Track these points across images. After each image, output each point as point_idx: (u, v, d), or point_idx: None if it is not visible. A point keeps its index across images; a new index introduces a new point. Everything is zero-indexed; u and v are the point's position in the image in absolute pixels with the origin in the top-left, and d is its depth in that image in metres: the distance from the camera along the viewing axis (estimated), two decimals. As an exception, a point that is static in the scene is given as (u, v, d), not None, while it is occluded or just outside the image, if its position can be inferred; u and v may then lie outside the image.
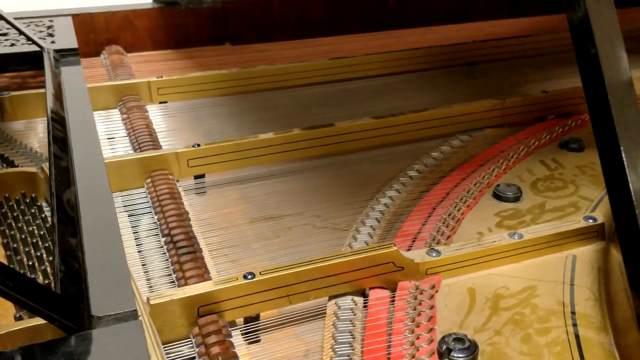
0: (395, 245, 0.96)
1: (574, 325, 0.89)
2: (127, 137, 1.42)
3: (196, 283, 0.92)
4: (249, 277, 0.89)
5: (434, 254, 0.99)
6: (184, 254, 1.00)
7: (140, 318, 0.79)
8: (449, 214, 1.15)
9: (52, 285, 0.94)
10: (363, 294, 0.96)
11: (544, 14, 2.42)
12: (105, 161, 1.19)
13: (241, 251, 1.12)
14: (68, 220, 0.91)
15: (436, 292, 0.96)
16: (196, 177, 1.30)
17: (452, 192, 1.23)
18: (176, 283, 0.97)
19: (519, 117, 1.51)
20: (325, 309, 0.94)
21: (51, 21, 1.89)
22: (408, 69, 1.84)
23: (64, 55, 1.66)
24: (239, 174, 1.34)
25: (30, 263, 1.00)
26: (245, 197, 1.28)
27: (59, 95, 1.37)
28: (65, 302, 0.74)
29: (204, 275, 0.96)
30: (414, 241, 1.08)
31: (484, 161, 1.35)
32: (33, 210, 1.13)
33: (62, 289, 0.76)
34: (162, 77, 1.62)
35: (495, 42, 1.92)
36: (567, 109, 1.55)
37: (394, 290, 0.96)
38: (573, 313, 0.92)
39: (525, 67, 1.89)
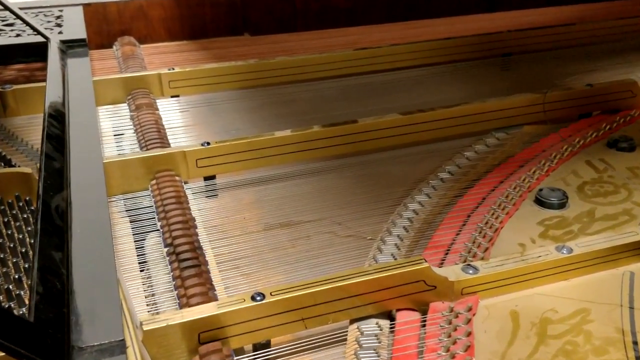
0: (426, 261, 0.83)
1: (637, 358, 0.76)
2: (135, 134, 1.31)
3: (198, 303, 0.81)
4: (258, 298, 0.78)
5: (470, 271, 0.86)
6: (187, 268, 0.89)
7: (130, 348, 0.68)
8: (486, 223, 1.03)
9: (28, 309, 0.83)
10: (389, 317, 0.84)
11: (581, 3, 2.27)
12: (106, 161, 1.09)
13: (253, 263, 1.00)
14: (54, 230, 0.80)
15: (473, 315, 0.84)
16: (206, 179, 1.19)
17: (489, 197, 1.11)
18: (177, 301, 0.86)
19: (561, 113, 1.37)
20: (346, 335, 0.82)
21: (61, 11, 1.79)
22: (438, 60, 1.71)
23: (71, 46, 1.56)
24: (253, 175, 1.22)
25: (17, 276, 0.90)
26: (260, 201, 1.17)
27: (60, 89, 1.27)
28: (40, 332, 0.63)
29: (208, 293, 0.85)
30: (446, 254, 0.96)
31: (524, 162, 1.22)
32: (26, 215, 1.03)
33: (36, 316, 0.65)
34: (173, 69, 1.51)
35: (531, 32, 1.77)
36: (615, 104, 1.41)
37: (425, 312, 0.84)
38: (635, 343, 0.79)
39: (565, 59, 1.75)
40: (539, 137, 1.33)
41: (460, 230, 1.01)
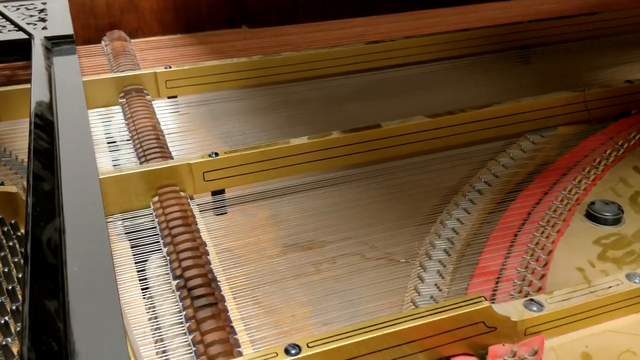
0: (486, 299, 0.71)
1: None
2: (131, 141, 1.18)
3: (219, 354, 0.68)
4: (293, 352, 0.65)
5: (534, 308, 0.74)
6: (203, 308, 0.77)
7: None
8: (536, 243, 0.91)
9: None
10: (443, 365, 0.72)
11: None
12: (102, 176, 0.95)
13: (274, 293, 0.88)
14: (46, 272, 0.67)
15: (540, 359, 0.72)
16: (214, 193, 1.06)
17: (534, 211, 0.99)
18: (192, 348, 0.73)
19: (601, 113, 1.25)
20: (395, 388, 0.70)
21: (44, 4, 1.65)
22: (454, 54, 1.59)
23: (56, 43, 1.42)
24: (266, 187, 1.09)
25: (3, 321, 0.77)
26: (275, 217, 1.04)
27: (46, 92, 1.13)
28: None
29: (228, 339, 0.73)
30: (497, 282, 0.84)
31: (566, 169, 1.10)
32: (12, 243, 0.89)
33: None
34: (170, 67, 1.37)
35: (554, 22, 1.65)
36: (656, 102, 1.29)
37: (483, 358, 0.72)
38: None
39: (591, 51, 1.63)
40: (576, 139, 1.21)
41: (508, 253, 0.89)
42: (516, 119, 1.19)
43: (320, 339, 0.66)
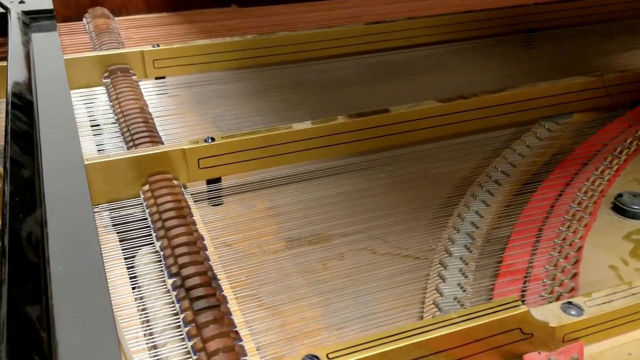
0: (523, 303, 0.64)
1: None
2: (117, 125, 1.09)
3: (226, 365, 0.60)
4: (314, 364, 0.57)
5: (573, 312, 0.67)
6: (203, 311, 0.68)
7: None
8: (564, 239, 0.83)
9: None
10: (474, 376, 0.64)
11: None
12: (88, 162, 0.86)
13: (279, 290, 0.80)
14: (27, 272, 0.59)
15: (581, 370, 0.65)
16: (209, 182, 0.97)
17: (557, 204, 0.91)
18: (193, 357, 0.65)
19: (621, 98, 1.18)
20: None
21: (21, -23, 1.54)
22: (457, 36, 1.51)
23: (35, 18, 1.32)
24: (266, 175, 1.01)
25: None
26: (276, 208, 0.96)
27: (24, 70, 1.04)
28: None
29: (234, 347, 0.64)
30: (525, 282, 0.77)
31: (586, 158, 1.03)
32: (-14, 235, 0.80)
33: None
34: (158, 45, 1.28)
35: (560, 5, 1.58)
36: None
37: (517, 367, 0.65)
38: None
39: (601, 35, 1.56)
40: (593, 127, 1.14)
41: (534, 250, 0.82)
42: (532, 105, 1.11)
43: (342, 349, 0.58)
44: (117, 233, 0.86)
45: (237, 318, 0.71)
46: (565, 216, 0.88)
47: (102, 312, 0.57)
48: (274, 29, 1.52)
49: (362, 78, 1.37)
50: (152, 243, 0.83)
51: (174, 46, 1.28)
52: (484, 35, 1.54)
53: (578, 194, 0.93)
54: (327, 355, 0.58)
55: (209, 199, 0.97)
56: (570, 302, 0.68)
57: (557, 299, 0.74)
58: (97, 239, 0.67)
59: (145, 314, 0.72)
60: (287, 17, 1.64)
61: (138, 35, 1.50)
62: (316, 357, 0.58)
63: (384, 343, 0.59)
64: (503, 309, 0.63)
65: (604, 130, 1.11)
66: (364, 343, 0.59)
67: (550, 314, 0.66)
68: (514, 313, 0.63)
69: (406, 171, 1.03)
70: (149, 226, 0.86)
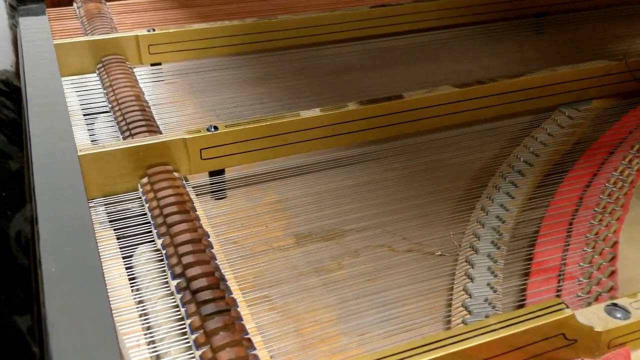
0: (567, 307, 0.58)
1: None
2: (111, 114, 1.02)
3: (241, 379, 0.54)
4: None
5: (619, 315, 0.61)
6: (212, 316, 0.62)
7: None
8: (596, 234, 0.77)
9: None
10: (513, 387, 0.58)
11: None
12: (81, 153, 0.80)
13: (291, 291, 0.74)
14: (15, 276, 0.52)
15: (629, 378, 0.59)
16: (212, 174, 0.91)
17: (586, 195, 0.85)
18: (202, 368, 0.59)
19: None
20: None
21: (6, -42, 1.46)
22: (463, 21, 1.44)
23: (22, 1, 1.25)
24: (272, 166, 0.95)
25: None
26: (284, 201, 0.90)
27: (11, 55, 0.97)
28: None
29: (247, 357, 0.58)
30: (559, 281, 0.71)
31: (612, 147, 0.97)
32: (-30, 233, 0.73)
33: None
34: (154, 30, 1.21)
35: (571, -13, 1.52)
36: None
37: (560, 376, 0.59)
38: None
39: (615, 19, 1.50)
40: (614, 114, 1.08)
41: (566, 245, 0.76)
42: (551, 90, 1.05)
43: (372, 361, 0.52)
44: (114, 230, 0.79)
45: (248, 323, 0.65)
46: (596, 209, 0.82)
47: (101, 321, 0.51)
48: (274, 12, 1.45)
49: (368, 64, 1.31)
50: (152, 240, 0.76)
51: (170, 30, 1.21)
52: (491, 20, 1.47)
53: (607, 184, 0.87)
54: (355, 368, 0.52)
55: (211, 192, 0.90)
56: (615, 304, 0.62)
57: (596, 299, 0.68)
58: (94, 237, 0.60)
59: (147, 319, 0.66)
60: (287, 0, 1.57)
61: (131, 20, 1.43)
62: (343, 370, 0.51)
63: (418, 354, 0.53)
64: (546, 313, 0.57)
65: (628, 117, 1.05)
66: (394, 354, 0.53)
67: (594, 317, 0.60)
68: (559, 317, 0.57)
69: (421, 161, 0.96)
70: (148, 222, 0.79)
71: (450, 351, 0.53)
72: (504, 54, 1.35)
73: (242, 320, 0.64)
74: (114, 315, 0.61)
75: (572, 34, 1.46)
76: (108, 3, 1.48)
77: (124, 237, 0.78)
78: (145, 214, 0.80)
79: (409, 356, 0.53)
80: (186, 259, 0.69)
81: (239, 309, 0.66)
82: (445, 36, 1.42)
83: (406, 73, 1.28)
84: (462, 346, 0.54)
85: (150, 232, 0.77)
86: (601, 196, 0.85)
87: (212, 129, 0.88)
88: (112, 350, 0.48)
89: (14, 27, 1.10)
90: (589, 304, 0.67)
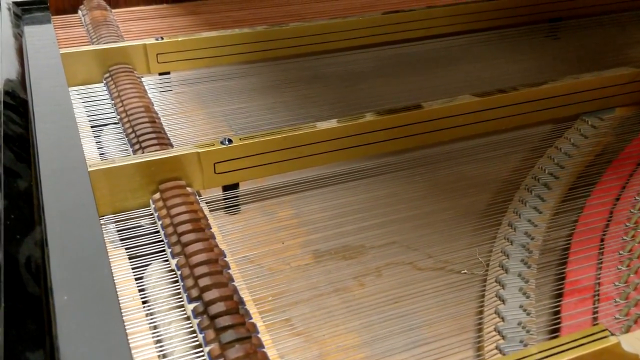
0: (612, 334, 0.54)
1: None
2: (120, 126, 0.99)
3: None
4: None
5: (664, 341, 0.57)
6: (232, 344, 0.58)
7: None
8: (630, 250, 0.74)
9: None
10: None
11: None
12: (91, 169, 0.76)
13: (312, 313, 0.70)
14: (26, 308, 0.49)
15: (678, 409, 0.55)
16: (226, 189, 0.87)
17: (616, 209, 0.82)
18: (223, 400, 0.55)
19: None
20: None
21: (11, -34, 1.43)
22: (478, 26, 1.42)
23: (27, 9, 1.22)
24: (288, 179, 0.92)
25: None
26: (301, 216, 0.86)
27: (17, 65, 0.94)
28: None
29: (273, 389, 0.55)
30: (595, 302, 0.67)
31: (639, 157, 0.94)
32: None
33: None
34: (162, 38, 1.18)
35: (587, -8, 1.49)
36: None
37: (603, 408, 0.56)
38: None
39: (633, 24, 1.47)
40: (638, 123, 1.05)
41: (599, 263, 0.73)
42: (574, 99, 1.02)
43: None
44: (126, 249, 0.76)
45: (269, 350, 0.62)
46: (627, 224, 0.79)
47: (119, 353, 0.47)
48: (283, 20, 1.42)
49: (381, 71, 1.28)
50: (166, 260, 0.73)
51: (179, 39, 1.18)
52: (506, 25, 1.44)
53: (637, 197, 0.84)
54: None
55: (225, 207, 0.87)
56: (659, 329, 0.59)
57: (636, 321, 0.64)
58: (108, 261, 0.57)
59: (164, 344, 0.63)
60: (297, 7, 1.54)
61: (137, 28, 1.41)
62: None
63: (456, 387, 0.49)
64: (590, 341, 0.53)
65: (653, 126, 1.02)
66: (431, 387, 0.50)
67: (638, 343, 0.57)
68: (604, 346, 0.53)
69: (442, 173, 0.93)
70: (161, 240, 0.76)
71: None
72: (520, 61, 1.32)
73: (264, 347, 0.60)
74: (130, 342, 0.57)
75: (588, 39, 1.43)
76: (114, 10, 1.46)
77: (136, 257, 0.74)
78: (158, 232, 0.77)
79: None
80: (203, 282, 0.66)
81: (259, 335, 0.62)
82: (459, 42, 1.39)
83: (421, 80, 1.25)
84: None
85: (164, 250, 0.74)
86: (632, 210, 0.81)
87: (227, 142, 0.85)
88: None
89: (19, 36, 1.07)
90: (629, 327, 0.63)
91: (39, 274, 0.53)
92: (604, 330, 0.55)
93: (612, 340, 0.54)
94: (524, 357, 0.52)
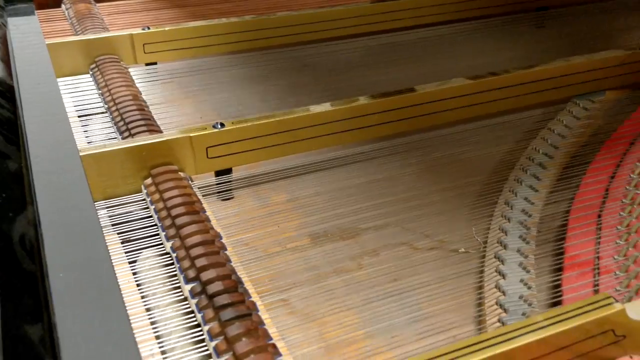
0: (617, 301, 0.54)
1: None
2: (108, 115, 0.97)
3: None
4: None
5: (667, 308, 0.57)
6: (232, 320, 0.57)
7: None
8: (627, 225, 0.74)
9: None
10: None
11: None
12: (82, 154, 0.75)
13: (311, 294, 0.69)
14: (22, 284, 0.47)
15: (683, 376, 0.55)
16: (218, 174, 0.86)
17: (611, 186, 0.82)
18: (225, 377, 0.54)
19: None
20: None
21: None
22: (466, 15, 1.41)
23: (10, 0, 1.20)
24: (281, 164, 0.91)
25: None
26: (295, 200, 0.85)
27: (2, 54, 0.92)
28: None
29: (275, 364, 0.54)
30: (595, 276, 0.67)
31: (632, 137, 0.94)
32: (-35, 240, 0.68)
33: None
34: (149, 28, 1.16)
35: (572, -20, 1.49)
36: None
37: (609, 376, 0.55)
38: None
39: (618, 12, 1.48)
40: (629, 104, 1.05)
41: (598, 238, 0.72)
42: (566, 81, 1.02)
43: (414, 365, 0.48)
44: (119, 234, 0.75)
45: (269, 328, 0.60)
46: (624, 200, 0.79)
47: (118, 327, 0.46)
48: (271, 10, 1.41)
49: (370, 60, 1.27)
50: (160, 244, 0.71)
51: (166, 29, 1.17)
52: (493, 14, 1.44)
53: (632, 175, 0.83)
54: (397, 373, 0.47)
55: (218, 192, 0.86)
56: (662, 297, 0.58)
57: (637, 292, 0.64)
58: (103, 237, 0.55)
59: (160, 326, 0.61)
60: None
61: (122, 21, 1.39)
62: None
63: (462, 355, 0.49)
64: (595, 309, 0.53)
65: (643, 108, 1.02)
66: (438, 356, 0.49)
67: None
68: (609, 313, 0.53)
69: (436, 156, 0.93)
70: (154, 224, 0.74)
71: (498, 351, 0.49)
72: (508, 49, 1.32)
73: (264, 325, 0.59)
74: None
75: (574, 27, 1.43)
76: (98, 4, 1.44)
77: (129, 241, 0.73)
78: (151, 217, 0.76)
79: (457, 357, 0.48)
80: (200, 262, 0.64)
81: (259, 313, 0.61)
82: (448, 31, 1.39)
83: (410, 69, 1.24)
84: (509, 346, 0.50)
85: (157, 235, 0.73)
86: (628, 187, 0.81)
87: (219, 126, 0.84)
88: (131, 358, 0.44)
89: (2, 26, 1.05)
90: (630, 299, 0.63)
91: (33, 252, 0.51)
92: (608, 297, 0.54)
93: (617, 307, 0.54)
94: (529, 325, 0.51)
